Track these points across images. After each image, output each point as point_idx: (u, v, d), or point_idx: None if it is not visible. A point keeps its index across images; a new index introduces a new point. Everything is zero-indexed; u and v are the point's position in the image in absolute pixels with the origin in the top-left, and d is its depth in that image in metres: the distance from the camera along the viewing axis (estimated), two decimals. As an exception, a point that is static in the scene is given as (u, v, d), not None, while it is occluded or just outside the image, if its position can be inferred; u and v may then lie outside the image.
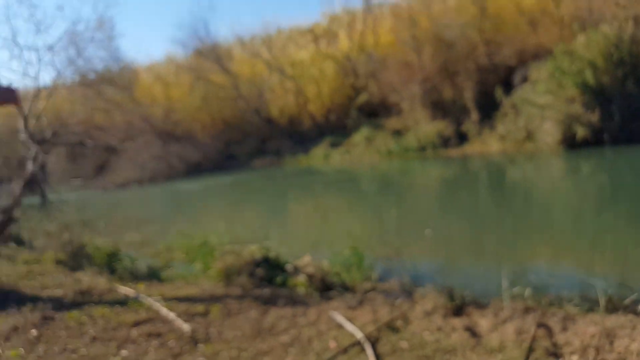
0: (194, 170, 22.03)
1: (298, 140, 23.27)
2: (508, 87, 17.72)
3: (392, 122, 19.76)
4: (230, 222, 8.44)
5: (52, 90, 5.83)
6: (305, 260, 5.11)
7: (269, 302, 4.22)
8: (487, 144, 17.30)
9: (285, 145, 23.05)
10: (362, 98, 22.25)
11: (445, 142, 17.89)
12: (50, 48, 5.63)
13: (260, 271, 4.82)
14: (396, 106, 20.16)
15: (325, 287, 4.60)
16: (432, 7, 21.20)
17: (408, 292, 4.30)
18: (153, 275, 5.80)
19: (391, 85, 19.95)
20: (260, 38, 26.72)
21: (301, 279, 4.71)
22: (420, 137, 17.86)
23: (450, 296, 3.69)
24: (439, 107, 18.81)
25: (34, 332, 3.75)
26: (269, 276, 4.88)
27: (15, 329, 3.78)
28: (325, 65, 24.48)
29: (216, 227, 7.32)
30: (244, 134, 25.23)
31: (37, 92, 5.81)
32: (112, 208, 13.52)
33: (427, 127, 18.50)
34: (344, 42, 23.89)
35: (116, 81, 6.04)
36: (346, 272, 5.05)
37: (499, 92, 17.52)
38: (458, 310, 3.57)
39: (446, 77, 19.24)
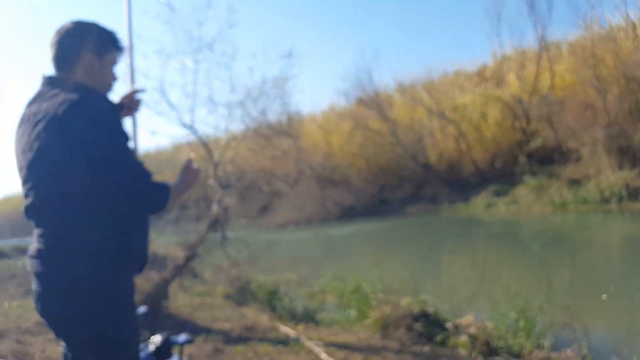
0: (348, 214, 22.58)
1: (457, 187, 22.36)
2: None
3: (569, 170, 17.79)
4: (381, 269, 8.35)
5: (238, 142, 6.58)
6: (468, 319, 4.76)
7: (429, 361, 3.99)
8: (690, 198, 14.62)
9: (442, 192, 22.35)
10: (535, 143, 20.59)
11: (634, 194, 15.50)
12: (241, 104, 6.38)
13: (418, 326, 4.61)
14: (574, 153, 18.23)
15: (489, 352, 4.22)
16: (619, 44, 19.10)
17: (590, 367, 3.73)
18: (309, 317, 5.99)
19: (569, 129, 18.13)
20: (421, 83, 26.88)
21: (463, 339, 4.37)
22: (602, 188, 15.70)
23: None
24: (627, 154, 16.50)
25: (207, 362, 4.06)
26: (427, 332, 4.65)
27: (190, 357, 4.15)
28: (491, 108, 23.43)
29: (367, 273, 7.29)
30: (398, 179, 25.22)
31: (227, 143, 6.58)
32: (271, 247, 14.45)
33: (611, 177, 16.24)
34: (513, 84, 22.65)
35: (286, 131, 6.64)
36: (513, 336, 4.57)
37: None
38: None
39: (637, 120, 16.97)
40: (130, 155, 1.68)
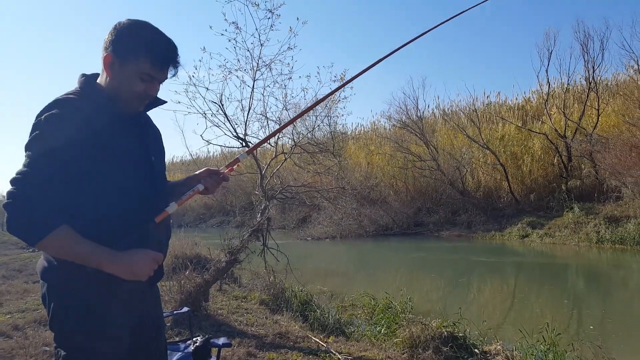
0: (383, 233, 22.69)
1: (492, 216, 22.12)
2: None
3: (608, 209, 17.46)
4: (410, 289, 8.44)
5: (285, 156, 6.91)
6: (496, 347, 4.84)
7: (454, 384, 4.11)
8: None
9: (477, 219, 22.14)
10: (574, 179, 20.36)
11: (674, 239, 15.00)
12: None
13: (447, 349, 4.72)
14: (615, 191, 17.90)
15: (516, 382, 4.28)
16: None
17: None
18: (339, 330, 6.07)
19: (612, 168, 17.83)
20: (464, 112, 26.92)
21: (490, 366, 4.46)
22: (643, 229, 15.34)
23: None
24: (670, 199, 16.03)
25: (239, 366, 4.26)
26: (455, 356, 4.73)
27: (224, 359, 4.35)
28: (533, 142, 23.20)
29: (397, 292, 7.40)
30: (435, 203, 25.16)
31: (275, 157, 6.90)
32: (307, 258, 14.67)
33: (652, 219, 15.80)
34: (558, 120, 22.38)
35: (330, 149, 6.86)
36: (541, 368, 4.62)
37: None
38: None
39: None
40: (36, 167, 1.44)
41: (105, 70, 1.62)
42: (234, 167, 1.92)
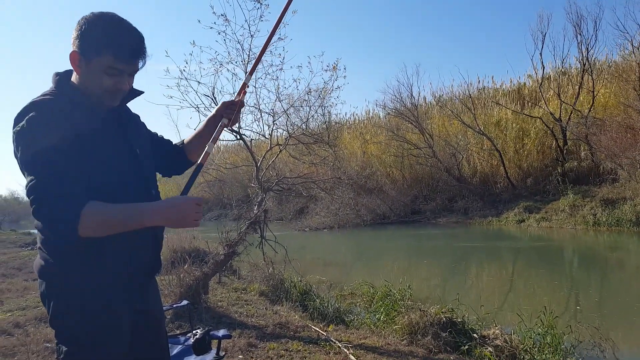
0: (380, 222, 22.76)
1: (489, 202, 22.23)
2: None
3: (604, 191, 17.53)
4: (408, 276, 8.48)
5: (280, 148, 6.89)
6: (494, 331, 4.88)
7: (454, 369, 4.15)
8: None
9: (474, 205, 22.24)
10: (571, 162, 20.43)
11: (671, 219, 15.11)
12: (285, 112, 6.70)
13: (445, 335, 4.75)
14: (611, 174, 17.97)
15: (515, 365, 4.32)
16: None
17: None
18: (339, 318, 6.11)
19: (608, 150, 17.87)
20: (460, 98, 26.90)
21: (489, 351, 4.50)
22: (638, 210, 15.41)
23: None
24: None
25: (240, 357, 4.22)
26: (454, 342, 4.78)
27: (225, 350, 4.38)
28: (529, 126, 23.24)
29: (396, 279, 7.44)
30: (432, 190, 25.25)
31: (270, 149, 6.89)
32: (305, 248, 14.72)
33: (649, 200, 15.90)
34: (553, 103, 22.38)
35: (325, 140, 6.85)
36: (539, 352, 4.66)
37: None
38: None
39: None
40: (38, 168, 1.45)
41: (73, 67, 1.59)
42: (245, 90, 2.02)
